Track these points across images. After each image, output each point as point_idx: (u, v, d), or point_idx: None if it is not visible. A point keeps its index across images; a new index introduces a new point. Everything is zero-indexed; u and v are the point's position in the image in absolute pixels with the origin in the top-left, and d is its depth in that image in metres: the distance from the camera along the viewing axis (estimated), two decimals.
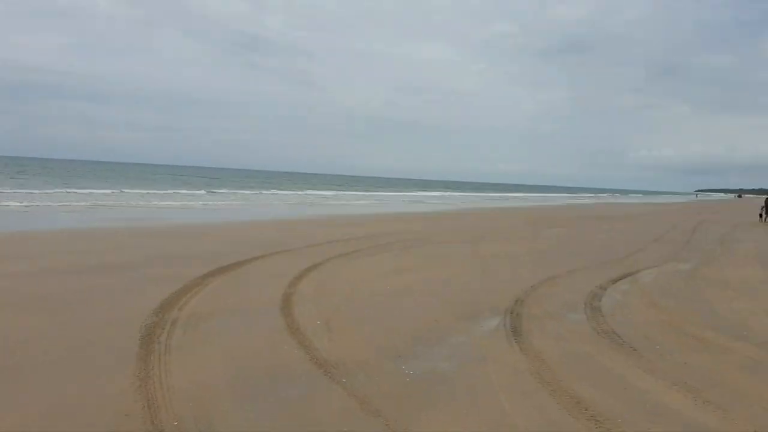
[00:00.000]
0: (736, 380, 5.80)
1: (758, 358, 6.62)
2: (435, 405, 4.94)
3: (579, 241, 20.20)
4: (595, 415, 4.78)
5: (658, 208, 61.02)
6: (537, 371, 5.85)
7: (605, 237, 22.10)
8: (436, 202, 56.68)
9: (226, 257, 12.26)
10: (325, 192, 70.90)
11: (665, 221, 33.17)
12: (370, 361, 6.01)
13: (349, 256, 13.63)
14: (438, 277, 11.26)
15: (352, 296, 9.23)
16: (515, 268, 12.67)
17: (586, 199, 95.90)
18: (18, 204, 27.92)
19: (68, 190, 42.43)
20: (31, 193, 37.27)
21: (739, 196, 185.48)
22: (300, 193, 64.52)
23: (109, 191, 44.02)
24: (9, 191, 37.22)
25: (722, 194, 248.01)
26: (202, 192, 52.80)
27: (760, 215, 36.48)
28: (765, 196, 43.48)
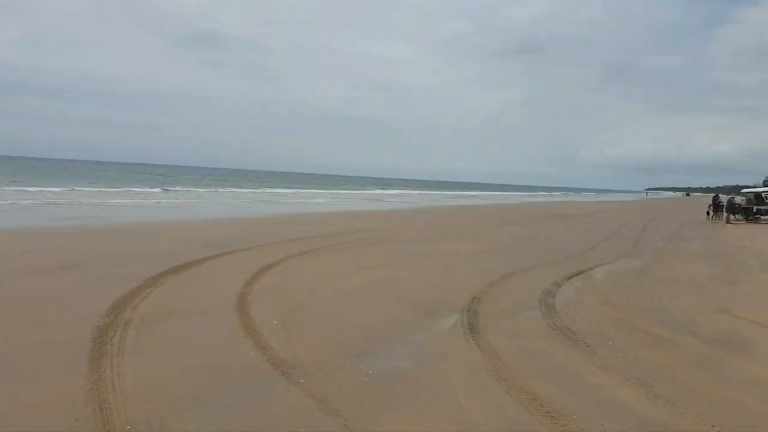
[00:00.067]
0: (686, 376, 5.96)
1: (706, 353, 6.82)
2: (394, 404, 4.94)
3: (534, 239, 20.52)
4: (550, 411, 4.85)
5: (610, 206, 62.42)
6: (494, 368, 5.90)
7: (559, 235, 22.51)
8: (394, 201, 56.79)
9: (180, 256, 12.03)
10: (283, 190, 70.40)
11: (617, 219, 33.95)
12: (329, 360, 5.98)
13: (307, 254, 13.55)
14: (396, 276, 11.28)
15: (309, 295, 9.17)
16: (472, 266, 12.79)
17: (540, 197, 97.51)
18: None
19: (17, 188, 41.06)
20: None
21: (687, 195, 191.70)
22: (257, 191, 63.85)
23: (59, 189, 42.71)
24: None
25: (671, 192, 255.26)
26: (157, 190, 51.64)
27: (708, 213, 37.63)
28: (712, 195, 44.95)
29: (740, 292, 11.00)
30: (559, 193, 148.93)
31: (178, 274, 10.37)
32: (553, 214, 38.48)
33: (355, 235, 18.32)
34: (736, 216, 35.43)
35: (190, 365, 5.70)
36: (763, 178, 48.13)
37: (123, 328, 6.80)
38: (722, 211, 35.95)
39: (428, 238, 18.97)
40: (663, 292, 10.66)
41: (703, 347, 7.05)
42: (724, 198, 39.54)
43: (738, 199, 39.39)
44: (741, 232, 27.36)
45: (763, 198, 36.70)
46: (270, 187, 78.28)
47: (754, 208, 35.55)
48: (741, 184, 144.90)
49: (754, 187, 46.15)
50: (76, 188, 45.69)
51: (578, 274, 12.12)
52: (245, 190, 62.66)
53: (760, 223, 34.18)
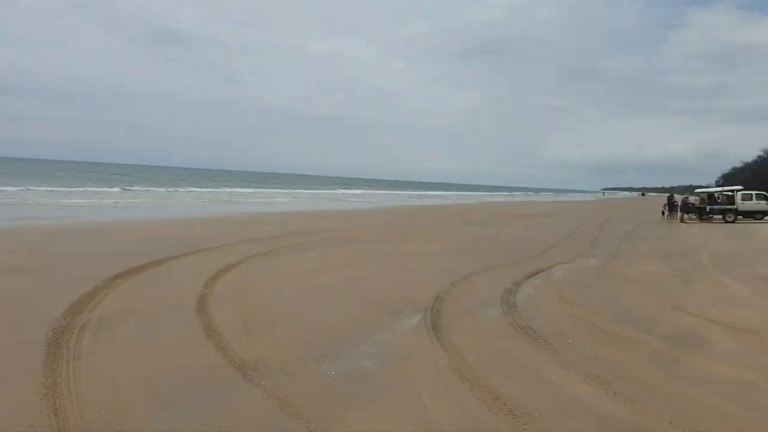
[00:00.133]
0: (644, 373, 6.08)
1: (663, 351, 6.97)
2: (357, 404, 4.92)
3: (495, 238, 20.75)
4: (512, 410, 4.89)
5: (569, 206, 63.56)
6: (457, 368, 5.94)
7: (520, 234, 22.82)
8: (357, 201, 56.77)
9: (138, 257, 11.80)
10: (244, 189, 69.64)
11: (575, 219, 34.56)
12: (292, 361, 5.93)
13: (269, 254, 13.43)
14: (360, 276, 11.27)
15: (271, 296, 9.09)
16: (436, 266, 12.86)
17: (501, 197, 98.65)
18: None
19: None
20: None
21: (643, 195, 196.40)
22: (217, 190, 63.00)
23: (13, 189, 41.40)
24: None
25: (627, 192, 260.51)
26: (115, 189, 50.45)
27: (663, 213, 38.58)
28: (667, 195, 46.06)
29: (695, 290, 11.29)
30: (519, 193, 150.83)
31: (137, 275, 10.16)
32: (514, 214, 38.98)
33: (318, 235, 18.24)
34: (690, 215, 36.37)
35: (149, 368, 5.59)
36: (716, 179, 49.52)
37: (79, 330, 6.63)
38: (677, 210, 36.83)
39: (392, 238, 19.01)
40: (620, 290, 10.88)
41: (660, 345, 7.21)
42: (678, 198, 40.52)
43: (692, 199, 40.39)
44: (695, 231, 28.12)
45: (716, 198, 37.75)
46: (230, 186, 77.34)
47: (708, 207, 36.53)
48: (695, 184, 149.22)
49: (708, 187, 47.50)
50: (31, 188, 44.35)
51: (538, 273, 12.28)
52: (205, 190, 61.74)
53: (713, 222, 35.18)
